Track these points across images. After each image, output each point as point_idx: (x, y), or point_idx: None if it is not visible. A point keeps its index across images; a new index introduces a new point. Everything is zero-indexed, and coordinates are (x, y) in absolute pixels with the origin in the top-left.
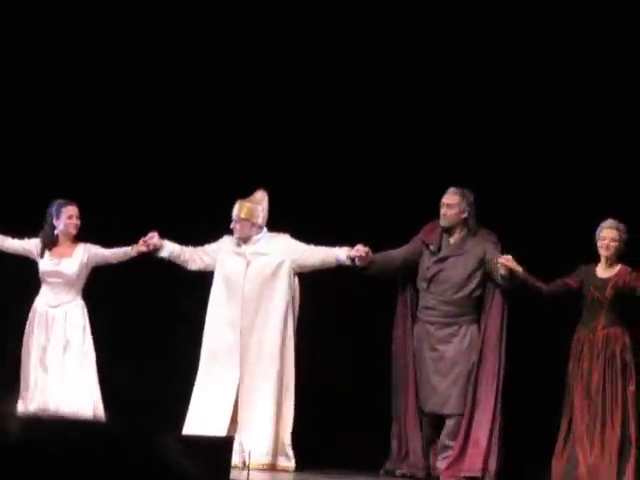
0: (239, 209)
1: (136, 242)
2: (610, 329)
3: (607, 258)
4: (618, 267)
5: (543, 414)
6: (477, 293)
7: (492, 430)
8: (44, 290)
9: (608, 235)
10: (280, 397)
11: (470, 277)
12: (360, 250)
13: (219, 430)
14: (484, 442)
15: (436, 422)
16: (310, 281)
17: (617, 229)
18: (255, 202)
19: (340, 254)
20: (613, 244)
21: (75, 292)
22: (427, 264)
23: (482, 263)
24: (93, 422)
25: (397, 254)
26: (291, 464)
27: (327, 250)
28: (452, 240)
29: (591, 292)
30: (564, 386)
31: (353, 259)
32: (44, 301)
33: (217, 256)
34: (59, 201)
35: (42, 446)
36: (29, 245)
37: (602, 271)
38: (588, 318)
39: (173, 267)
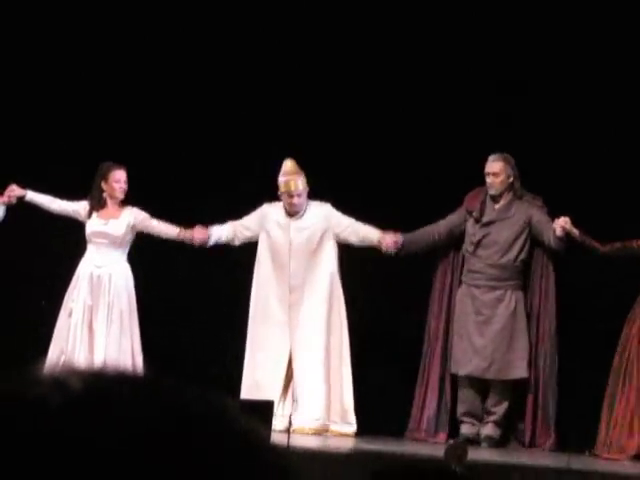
0: (289, 184)
1: (188, 227)
2: None
3: None
4: None
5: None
6: (523, 257)
7: (544, 397)
8: (90, 251)
9: None
10: (330, 366)
11: (516, 240)
12: (389, 244)
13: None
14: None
15: (473, 384)
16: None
17: None
18: (292, 174)
19: (374, 238)
20: None
21: (120, 254)
22: (472, 230)
23: (528, 227)
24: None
25: (438, 228)
26: (350, 430)
27: (366, 230)
28: (497, 205)
29: None
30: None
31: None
32: (89, 261)
33: (259, 227)
34: (107, 163)
35: (106, 401)
36: (78, 206)
37: None
38: None
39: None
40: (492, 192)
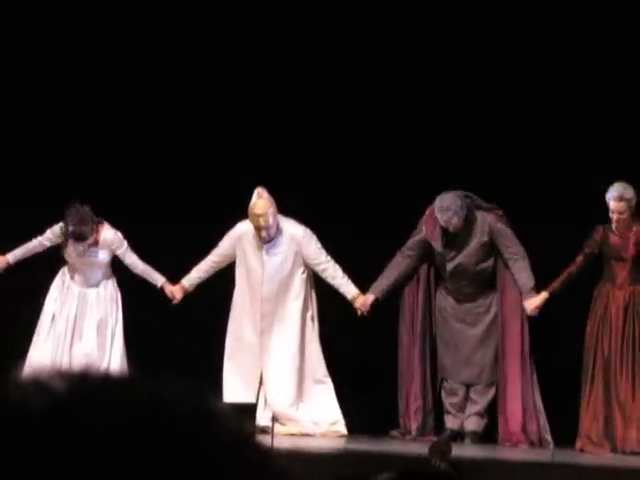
0: (258, 221)
1: (172, 279)
2: (636, 286)
3: (620, 226)
4: (636, 225)
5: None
6: (492, 266)
7: (524, 399)
8: (72, 270)
9: (615, 208)
10: (303, 389)
11: (484, 260)
12: (360, 307)
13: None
14: (519, 413)
15: (457, 390)
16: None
17: (623, 199)
18: (262, 208)
19: (347, 295)
20: (622, 216)
21: (105, 273)
22: (440, 260)
23: (491, 242)
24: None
25: (404, 267)
26: (336, 429)
27: (338, 283)
28: (457, 235)
29: (612, 250)
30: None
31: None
32: (74, 281)
33: (233, 250)
34: (73, 207)
35: (92, 403)
36: (52, 235)
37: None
38: (611, 275)
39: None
40: (452, 230)
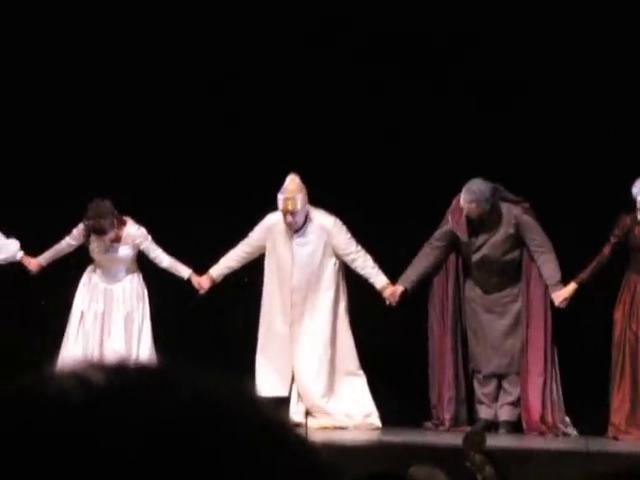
0: (287, 203)
1: (199, 270)
2: None
3: None
4: None
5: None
6: (518, 258)
7: (545, 390)
8: (98, 268)
9: None
10: (335, 378)
11: (510, 252)
12: (389, 297)
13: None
14: (538, 405)
15: (490, 381)
16: None
17: None
18: (291, 192)
19: (377, 285)
20: None
21: (130, 268)
22: (466, 251)
23: (517, 234)
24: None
25: (433, 250)
26: (371, 422)
27: (368, 272)
28: (482, 226)
29: (638, 240)
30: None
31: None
32: (100, 277)
33: (264, 241)
34: (95, 203)
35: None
36: (78, 234)
37: None
38: (638, 265)
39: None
40: (472, 218)
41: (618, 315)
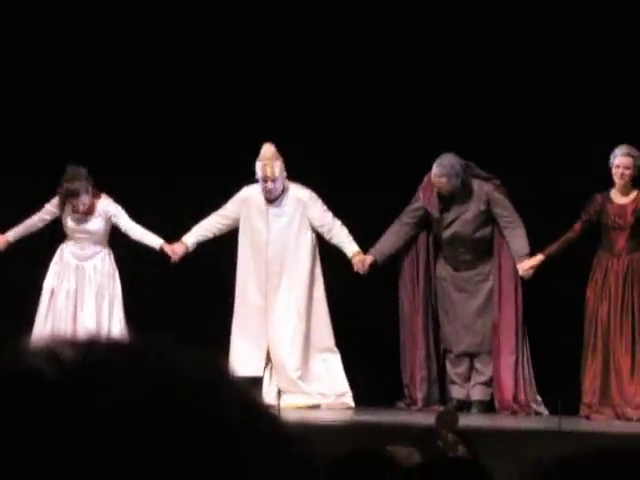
0: (265, 169)
1: (169, 239)
2: (634, 254)
3: (622, 185)
4: (635, 192)
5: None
6: (490, 235)
7: (517, 368)
8: (70, 244)
9: (621, 163)
10: (309, 353)
11: (481, 229)
12: (358, 265)
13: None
14: (511, 383)
15: (462, 361)
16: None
17: (630, 155)
18: (269, 159)
19: (348, 252)
20: (627, 172)
21: (102, 244)
22: (437, 228)
23: (488, 211)
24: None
25: (403, 234)
26: (343, 401)
27: (341, 241)
28: (453, 202)
29: (611, 218)
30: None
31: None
32: (71, 253)
33: (239, 213)
34: (71, 169)
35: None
36: (51, 208)
37: (619, 197)
38: (610, 244)
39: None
40: (442, 192)
41: (590, 293)
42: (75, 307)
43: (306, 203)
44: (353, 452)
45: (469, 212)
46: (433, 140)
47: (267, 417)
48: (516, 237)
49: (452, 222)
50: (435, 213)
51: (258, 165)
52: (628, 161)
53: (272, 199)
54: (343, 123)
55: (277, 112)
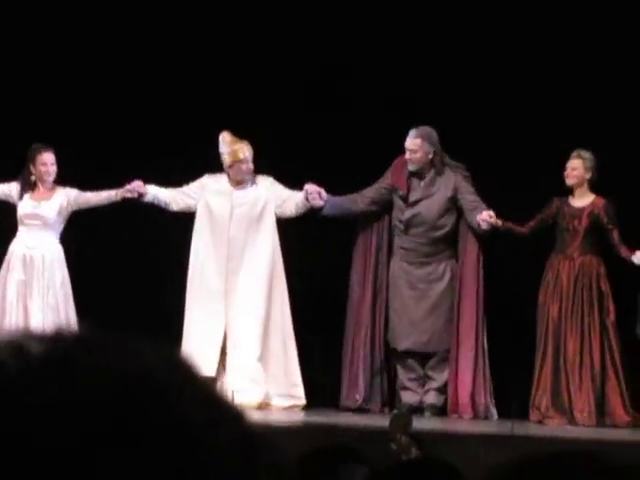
0: (237, 153)
1: (121, 186)
2: (586, 257)
3: (574, 187)
4: (593, 197)
5: (525, 346)
6: (453, 228)
7: (476, 367)
8: (22, 232)
9: (569, 165)
10: (269, 340)
11: (445, 215)
12: (313, 193)
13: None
14: (469, 380)
15: (414, 353)
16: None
17: (580, 157)
18: (234, 142)
19: (300, 197)
20: (574, 172)
21: (52, 235)
22: (400, 208)
23: (454, 199)
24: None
25: (363, 198)
26: (294, 403)
27: (298, 198)
28: (422, 182)
29: (566, 220)
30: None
31: (308, 199)
32: (21, 242)
33: (199, 196)
34: (35, 146)
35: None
36: (8, 188)
37: (576, 200)
38: (563, 246)
39: (154, 207)
40: (411, 168)
41: (542, 297)
42: (25, 299)
43: (268, 186)
44: (319, 449)
45: (435, 195)
46: (401, 129)
47: (232, 415)
48: (480, 210)
49: (417, 202)
50: (402, 190)
51: (227, 151)
52: (576, 162)
53: (244, 181)
54: (324, 123)
55: (238, 98)
